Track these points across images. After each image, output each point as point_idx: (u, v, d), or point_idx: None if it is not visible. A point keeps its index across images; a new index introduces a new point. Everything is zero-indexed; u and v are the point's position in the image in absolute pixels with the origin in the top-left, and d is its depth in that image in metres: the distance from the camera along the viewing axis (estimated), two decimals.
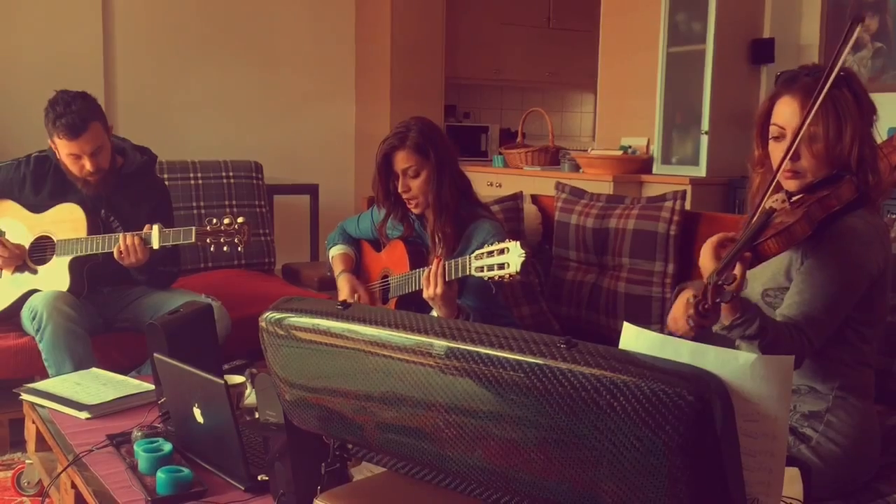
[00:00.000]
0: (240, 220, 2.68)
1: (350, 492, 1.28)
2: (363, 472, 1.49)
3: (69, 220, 2.84)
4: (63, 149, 2.75)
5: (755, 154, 1.81)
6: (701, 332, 1.48)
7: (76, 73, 4.83)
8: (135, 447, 1.86)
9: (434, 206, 2.46)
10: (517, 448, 1.00)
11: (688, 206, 2.81)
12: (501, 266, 2.10)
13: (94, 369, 2.56)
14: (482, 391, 1.00)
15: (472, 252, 2.20)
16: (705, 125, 4.33)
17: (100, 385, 2.37)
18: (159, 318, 2.21)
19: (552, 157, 5.06)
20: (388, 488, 1.27)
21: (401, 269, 2.56)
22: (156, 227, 2.68)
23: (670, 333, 1.53)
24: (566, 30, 6.81)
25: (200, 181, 3.75)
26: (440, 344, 1.04)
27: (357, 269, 2.78)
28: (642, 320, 2.67)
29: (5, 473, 2.73)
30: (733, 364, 0.98)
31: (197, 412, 1.83)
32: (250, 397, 2.17)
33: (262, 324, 1.26)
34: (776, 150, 1.71)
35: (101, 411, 2.19)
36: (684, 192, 2.77)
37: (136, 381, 2.41)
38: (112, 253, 2.70)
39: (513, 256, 2.08)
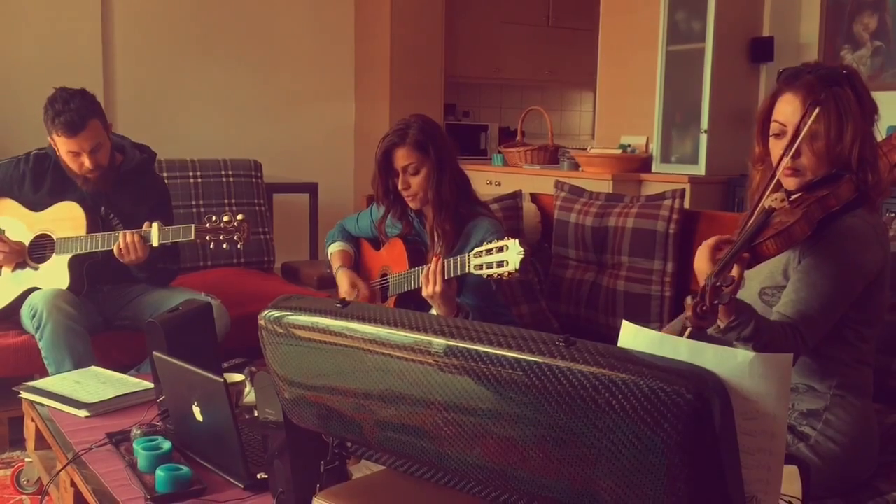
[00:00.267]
0: (239, 217, 2.68)
1: (349, 490, 1.28)
2: (362, 470, 1.50)
3: (69, 217, 2.84)
4: (62, 146, 2.75)
5: (756, 151, 1.81)
6: (698, 334, 1.48)
7: (75, 71, 4.83)
8: (134, 445, 1.86)
9: (433, 203, 2.46)
10: (516, 446, 1.00)
11: (687, 205, 2.81)
12: (500, 264, 2.10)
13: (93, 367, 2.56)
14: (481, 389, 1.00)
15: (471, 250, 2.20)
16: (705, 124, 4.33)
17: (99, 383, 2.37)
18: (159, 316, 2.21)
19: (551, 156, 5.06)
20: (387, 486, 1.27)
21: (400, 267, 2.56)
22: (155, 225, 2.68)
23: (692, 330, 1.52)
24: (566, 28, 6.81)
25: (200, 179, 3.75)
26: (439, 342, 1.04)
27: (356, 266, 2.78)
28: (641, 319, 2.67)
29: (5, 472, 2.73)
30: (732, 362, 0.98)
31: (196, 410, 1.83)
32: (249, 395, 2.18)
33: (262, 322, 1.26)
34: (777, 148, 1.71)
35: (100, 409, 2.20)
36: (683, 190, 2.77)
37: (136, 380, 2.41)
38: (112, 251, 2.70)
39: (512, 254, 2.08)
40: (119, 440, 1.97)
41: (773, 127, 1.72)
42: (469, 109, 6.89)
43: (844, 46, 4.29)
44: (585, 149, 5.02)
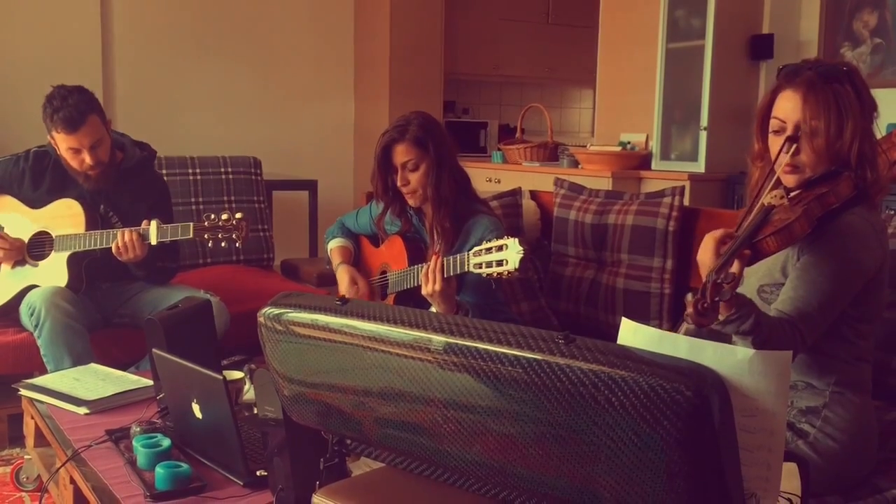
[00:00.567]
0: (238, 215, 2.68)
1: (348, 487, 1.28)
2: (362, 467, 1.49)
3: (68, 215, 2.83)
4: (62, 143, 2.75)
5: (755, 148, 1.80)
6: (700, 330, 1.48)
7: (75, 68, 4.83)
8: (133, 442, 1.86)
9: (433, 200, 2.46)
10: (515, 443, 1.00)
11: (686, 202, 2.81)
12: (500, 263, 2.10)
13: (92, 365, 2.56)
14: (480, 386, 1.00)
15: (471, 248, 2.19)
16: (704, 121, 4.33)
17: (98, 380, 2.37)
18: (158, 313, 2.20)
19: (551, 153, 5.06)
20: (387, 483, 1.27)
21: (399, 265, 2.56)
22: (154, 223, 2.68)
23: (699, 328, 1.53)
24: (565, 25, 6.81)
25: (199, 177, 3.75)
26: (438, 339, 1.04)
27: (355, 262, 2.78)
28: (641, 316, 2.67)
29: (4, 469, 2.73)
30: (731, 359, 0.98)
31: (196, 407, 1.83)
32: (249, 393, 2.18)
33: (261, 319, 1.26)
34: (776, 144, 1.71)
35: (99, 407, 2.20)
36: (683, 187, 2.77)
37: (135, 377, 2.42)
38: (110, 248, 2.70)
39: (511, 253, 2.07)
40: (118, 437, 1.97)
41: (773, 123, 1.72)
42: (469, 107, 6.88)
43: (844, 43, 4.29)
44: (585, 146, 5.01)
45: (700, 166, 4.36)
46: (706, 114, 4.32)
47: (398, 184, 2.48)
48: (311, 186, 5.03)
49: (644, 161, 4.63)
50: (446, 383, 1.04)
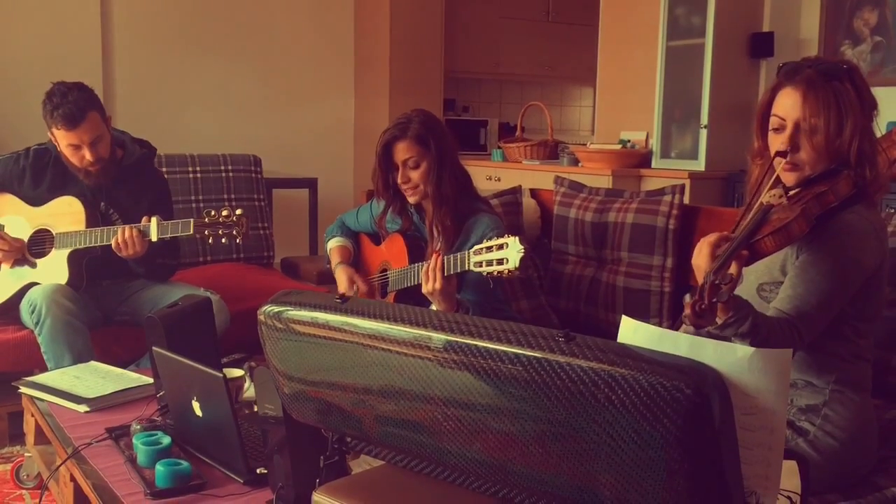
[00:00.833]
0: (238, 211, 2.68)
1: (349, 485, 1.28)
2: (362, 465, 1.50)
3: (68, 212, 2.83)
4: (63, 139, 2.75)
5: (755, 145, 1.80)
6: (698, 331, 1.49)
7: (75, 66, 4.81)
8: (134, 440, 1.86)
9: (433, 198, 2.46)
10: (515, 441, 1.00)
11: (687, 200, 2.81)
12: (500, 262, 2.09)
13: (92, 362, 2.56)
14: (480, 384, 1.00)
15: (471, 246, 2.19)
16: (704, 119, 4.33)
17: (99, 378, 2.37)
18: (158, 311, 2.20)
19: (551, 151, 5.05)
20: (387, 481, 1.28)
21: (400, 263, 2.56)
22: (154, 220, 2.68)
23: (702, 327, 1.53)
24: (565, 23, 6.80)
25: (199, 175, 3.74)
26: (438, 337, 1.05)
27: (356, 261, 2.77)
28: (641, 314, 2.67)
29: (4, 466, 2.73)
30: (731, 357, 0.98)
31: (196, 405, 1.83)
32: (249, 390, 2.18)
33: (261, 317, 1.26)
34: (776, 142, 1.71)
35: (99, 404, 2.20)
36: (683, 186, 2.77)
37: (135, 375, 2.42)
38: (111, 246, 2.70)
39: (512, 252, 2.07)
40: (119, 435, 1.98)
41: (773, 121, 1.72)
42: (469, 105, 6.88)
43: (845, 42, 4.28)
44: (585, 144, 5.01)
45: (700, 164, 4.36)
46: (706, 112, 4.32)
47: (399, 181, 2.48)
48: (311, 184, 5.03)
49: (644, 159, 4.63)
50: (446, 381, 1.04)
